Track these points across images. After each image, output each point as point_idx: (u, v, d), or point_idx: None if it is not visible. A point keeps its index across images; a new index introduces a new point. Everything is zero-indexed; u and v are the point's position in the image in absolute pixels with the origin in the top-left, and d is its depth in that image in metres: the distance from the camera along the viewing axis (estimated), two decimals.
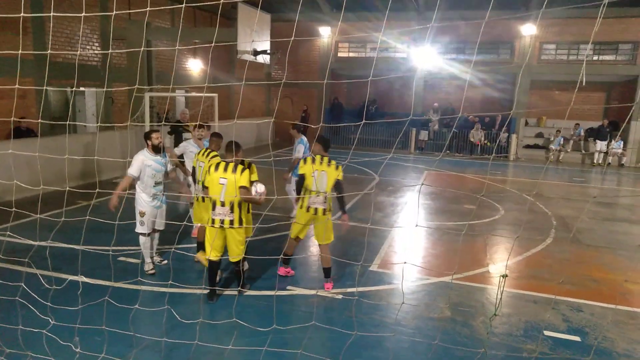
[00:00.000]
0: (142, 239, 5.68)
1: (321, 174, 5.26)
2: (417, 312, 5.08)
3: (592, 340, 4.61)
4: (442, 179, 13.53)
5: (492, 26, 18.36)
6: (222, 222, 4.83)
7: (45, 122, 9.38)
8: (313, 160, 5.28)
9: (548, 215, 9.39)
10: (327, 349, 4.11)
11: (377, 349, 4.30)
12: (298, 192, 5.46)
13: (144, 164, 5.53)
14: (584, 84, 3.11)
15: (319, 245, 5.52)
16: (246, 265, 5.51)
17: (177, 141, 9.22)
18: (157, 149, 5.67)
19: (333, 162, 5.36)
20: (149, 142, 5.67)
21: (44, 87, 5.43)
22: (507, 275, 5.06)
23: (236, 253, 4.94)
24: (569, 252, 7.33)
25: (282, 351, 3.86)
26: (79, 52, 13.56)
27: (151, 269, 5.79)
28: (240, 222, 4.85)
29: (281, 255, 5.59)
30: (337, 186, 5.31)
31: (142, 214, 5.58)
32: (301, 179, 5.37)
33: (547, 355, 4.31)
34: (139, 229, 5.64)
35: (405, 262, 5.33)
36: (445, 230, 8.18)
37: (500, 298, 5.03)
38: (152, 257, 5.91)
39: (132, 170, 5.47)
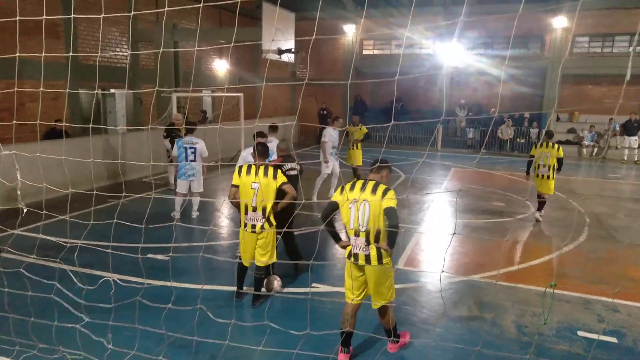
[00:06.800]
0: None
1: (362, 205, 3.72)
2: (445, 310, 4.98)
3: (629, 341, 4.43)
4: (470, 176, 13.27)
5: (521, 20, 17.88)
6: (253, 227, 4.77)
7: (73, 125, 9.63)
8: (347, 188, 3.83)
9: (581, 212, 9.09)
10: (355, 348, 4.07)
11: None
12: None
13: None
14: (628, 77, 2.92)
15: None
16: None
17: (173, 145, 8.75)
18: None
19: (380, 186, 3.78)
20: None
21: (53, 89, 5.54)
22: (555, 284, 4.85)
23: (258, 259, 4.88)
24: (604, 250, 7.06)
25: (312, 354, 3.77)
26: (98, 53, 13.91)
27: None
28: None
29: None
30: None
31: None
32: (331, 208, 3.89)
33: (581, 356, 4.15)
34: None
35: (443, 272, 4.41)
36: (473, 227, 8.01)
37: (550, 308, 4.78)
38: None
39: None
